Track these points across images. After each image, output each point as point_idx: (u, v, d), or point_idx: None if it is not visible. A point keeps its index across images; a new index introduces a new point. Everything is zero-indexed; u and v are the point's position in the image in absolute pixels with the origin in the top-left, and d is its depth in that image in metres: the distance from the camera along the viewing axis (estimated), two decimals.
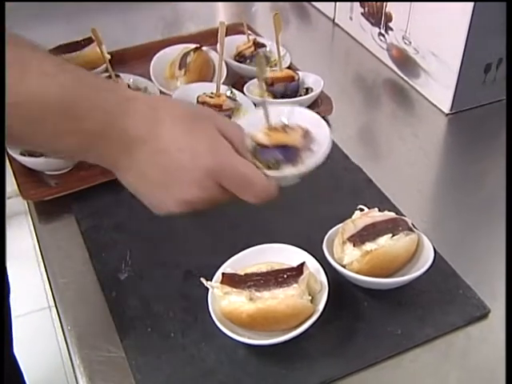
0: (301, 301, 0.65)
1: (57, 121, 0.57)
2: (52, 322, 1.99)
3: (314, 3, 1.34)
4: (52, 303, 2.13)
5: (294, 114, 0.76)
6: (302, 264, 0.67)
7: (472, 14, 0.92)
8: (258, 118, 0.74)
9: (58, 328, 1.93)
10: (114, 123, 0.60)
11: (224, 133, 0.65)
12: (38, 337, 1.95)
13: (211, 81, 1.04)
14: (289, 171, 0.70)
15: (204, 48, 1.08)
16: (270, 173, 0.68)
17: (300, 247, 0.73)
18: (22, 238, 2.15)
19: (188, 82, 1.02)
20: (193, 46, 1.08)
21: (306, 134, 0.73)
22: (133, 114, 0.60)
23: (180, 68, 1.04)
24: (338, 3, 1.25)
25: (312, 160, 0.71)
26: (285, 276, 0.66)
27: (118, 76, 0.99)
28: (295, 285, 0.65)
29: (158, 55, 1.08)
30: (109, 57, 1.01)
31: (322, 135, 0.73)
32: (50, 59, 0.59)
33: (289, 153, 0.72)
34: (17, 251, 2.09)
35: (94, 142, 0.60)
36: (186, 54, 1.05)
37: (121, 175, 0.65)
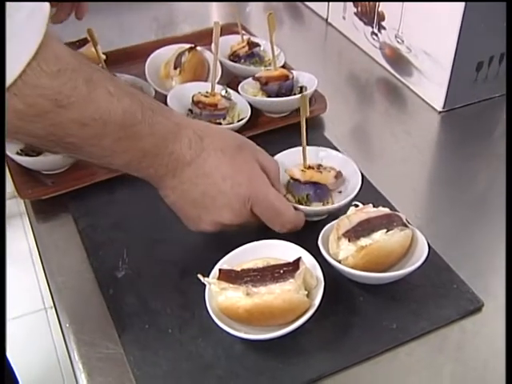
0: (297, 296, 0.66)
1: (117, 138, 0.64)
2: (48, 323, 2.00)
3: (307, 3, 1.35)
4: (48, 305, 2.13)
5: (330, 157, 0.86)
6: (299, 259, 0.67)
7: (463, 13, 0.93)
8: (295, 154, 0.83)
9: (53, 329, 1.94)
10: (166, 146, 0.67)
11: (262, 165, 0.73)
12: (33, 338, 1.95)
13: (206, 80, 1.05)
14: (317, 208, 0.80)
15: (199, 48, 1.09)
16: (300, 207, 0.78)
17: (296, 243, 0.74)
18: (17, 240, 2.15)
19: (183, 82, 1.03)
20: (187, 45, 1.08)
21: (339, 175, 0.83)
22: (183, 139, 0.68)
23: (175, 68, 1.05)
24: (330, 3, 1.26)
25: (340, 200, 0.80)
26: (281, 271, 0.66)
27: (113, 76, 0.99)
28: (291, 280, 0.66)
29: (152, 55, 1.08)
30: (104, 57, 1.02)
31: (354, 181, 0.82)
32: (113, 81, 0.64)
33: (320, 190, 0.81)
34: (12, 253, 2.09)
35: (146, 161, 0.67)
36: (180, 54, 1.06)
37: (163, 192, 0.73)
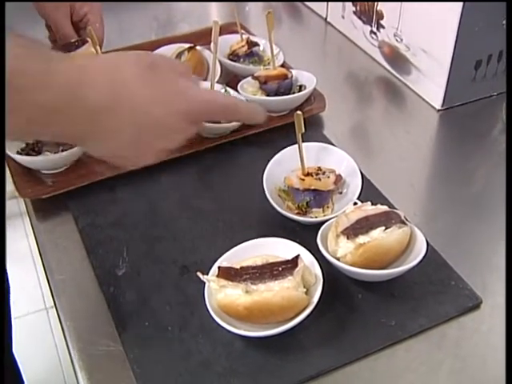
0: (296, 293, 0.66)
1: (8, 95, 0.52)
2: (49, 323, 2.00)
3: (306, 2, 1.35)
4: (49, 305, 2.13)
5: (330, 155, 0.87)
6: (297, 257, 0.68)
7: (462, 11, 0.93)
8: (294, 153, 0.82)
9: (55, 329, 1.94)
10: (73, 96, 0.57)
11: (181, 72, 0.65)
12: (35, 338, 1.96)
13: (205, 79, 1.05)
14: (317, 219, 0.80)
15: (198, 47, 1.09)
16: (300, 219, 0.80)
17: (295, 241, 0.74)
18: (18, 239, 2.15)
19: None
20: (187, 45, 1.08)
21: (338, 179, 0.83)
22: (91, 84, 0.58)
23: None
24: (329, 2, 1.27)
25: (341, 202, 0.82)
26: (280, 269, 0.67)
27: None
28: (290, 277, 0.66)
29: None
30: None
31: (354, 181, 0.83)
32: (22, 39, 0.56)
33: (319, 196, 0.82)
34: (13, 253, 2.09)
35: (52, 118, 0.56)
36: (180, 54, 1.06)
37: (90, 145, 0.63)
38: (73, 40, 1.04)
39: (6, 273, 1.09)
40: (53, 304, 0.77)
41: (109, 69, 0.61)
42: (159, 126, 0.62)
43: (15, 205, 1.02)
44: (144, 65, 0.62)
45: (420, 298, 0.74)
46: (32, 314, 2.05)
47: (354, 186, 0.82)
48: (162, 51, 1.09)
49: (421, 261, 0.71)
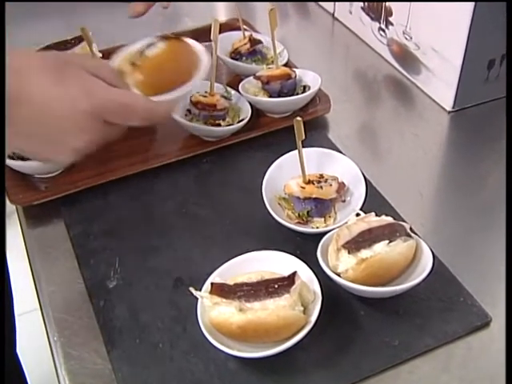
0: (292, 312, 0.62)
1: None
2: (44, 324, 1.98)
3: None
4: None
5: (333, 161, 0.83)
6: (294, 274, 0.64)
7: (474, 9, 0.89)
8: (295, 158, 0.78)
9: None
10: None
11: (95, 73, 0.65)
12: (34, 336, 1.94)
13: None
14: (318, 230, 0.77)
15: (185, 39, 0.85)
16: (299, 229, 0.77)
17: (294, 254, 0.71)
18: (19, 237, 2.13)
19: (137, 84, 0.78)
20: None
21: (341, 187, 0.79)
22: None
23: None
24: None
25: (343, 211, 0.79)
26: (276, 286, 0.63)
27: None
28: (287, 295, 0.63)
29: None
30: (100, 55, 0.98)
31: (358, 189, 0.80)
32: None
33: (321, 205, 0.78)
34: (13, 250, 2.08)
35: None
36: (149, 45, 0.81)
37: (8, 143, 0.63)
38: (69, 38, 1.00)
39: (8, 271, 1.07)
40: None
41: (16, 66, 0.61)
42: (65, 123, 0.62)
43: None
44: (54, 63, 0.63)
45: (426, 315, 0.70)
46: (34, 311, 2.03)
47: (358, 194, 0.79)
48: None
49: (426, 277, 0.67)
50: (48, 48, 0.99)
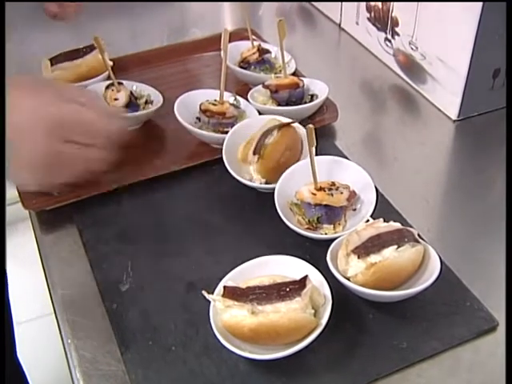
0: (303, 315, 0.64)
1: None
2: (58, 327, 1.99)
3: (320, 8, 1.33)
4: None
5: (343, 169, 0.84)
6: (305, 277, 0.65)
7: (480, 18, 0.90)
8: (306, 168, 0.80)
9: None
10: None
11: (69, 98, 0.70)
12: (42, 343, 1.95)
13: (298, 159, 0.87)
14: (327, 236, 0.78)
15: (293, 124, 0.90)
16: (309, 235, 0.78)
17: (303, 259, 0.72)
18: (27, 243, 2.14)
19: (261, 172, 0.85)
20: (278, 120, 0.90)
21: (352, 195, 0.80)
22: None
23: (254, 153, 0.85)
24: (344, 8, 1.24)
25: (354, 219, 0.80)
26: (287, 289, 0.64)
27: (120, 83, 0.98)
28: (298, 298, 0.64)
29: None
30: (111, 63, 1.00)
31: (368, 197, 0.80)
32: None
33: (331, 212, 0.79)
34: (21, 257, 2.09)
35: None
36: (265, 134, 0.87)
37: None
38: (81, 46, 1.02)
39: (6, 275, 1.08)
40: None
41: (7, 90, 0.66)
42: (38, 151, 0.67)
43: (22, 209, 1.01)
44: (34, 81, 0.71)
45: (433, 319, 0.71)
46: (41, 318, 2.04)
47: (368, 202, 0.80)
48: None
49: (434, 281, 0.68)
50: (60, 56, 1.01)
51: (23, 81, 0.70)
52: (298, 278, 0.66)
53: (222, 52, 0.95)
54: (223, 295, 0.66)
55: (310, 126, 0.76)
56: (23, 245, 2.12)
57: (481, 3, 0.89)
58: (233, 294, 0.65)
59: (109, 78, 0.99)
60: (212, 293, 0.68)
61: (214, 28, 1.31)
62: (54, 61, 1.01)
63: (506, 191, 0.77)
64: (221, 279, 0.70)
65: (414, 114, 1.06)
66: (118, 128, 0.73)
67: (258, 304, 0.64)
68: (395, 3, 1.07)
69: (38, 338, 1.95)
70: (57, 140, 0.67)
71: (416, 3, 1.01)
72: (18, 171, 0.68)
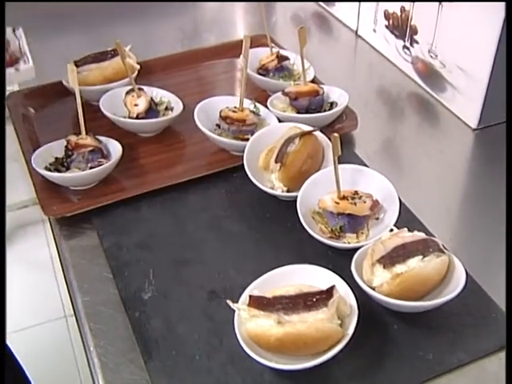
0: (330, 325, 0.63)
1: None
2: (68, 331, 1.99)
3: (336, 14, 1.32)
4: (68, 313, 2.12)
5: (366, 177, 0.84)
6: (332, 287, 0.65)
7: (502, 27, 0.90)
8: (328, 176, 0.80)
9: (73, 337, 1.93)
10: None
11: None
12: (53, 346, 1.94)
13: (319, 169, 0.87)
14: (349, 245, 0.78)
15: (315, 133, 0.89)
16: (334, 244, 0.77)
17: (327, 266, 0.72)
18: (39, 246, 2.15)
19: (284, 180, 0.85)
20: (299, 128, 0.90)
21: (375, 205, 0.80)
22: None
23: (276, 161, 0.85)
24: (361, 15, 1.24)
25: (376, 228, 0.79)
26: (314, 299, 0.64)
27: (141, 89, 0.98)
28: (325, 308, 0.64)
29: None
30: (138, 67, 1.00)
31: (391, 206, 0.80)
32: None
33: (354, 221, 0.78)
34: (33, 261, 2.09)
35: None
36: (287, 142, 0.86)
37: None
38: (109, 49, 1.02)
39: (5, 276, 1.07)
40: (72, 313, 0.76)
41: None
42: None
43: (37, 211, 1.01)
44: None
45: (458, 330, 0.70)
46: (52, 322, 2.04)
47: (392, 211, 0.79)
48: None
49: (460, 292, 0.68)
50: (87, 58, 1.01)
51: None
52: (323, 287, 0.66)
53: (241, 59, 0.94)
54: (249, 304, 0.65)
55: (335, 134, 0.76)
56: (33, 248, 2.13)
57: (503, 12, 0.88)
58: (259, 303, 0.65)
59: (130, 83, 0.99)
60: (235, 302, 0.68)
61: (228, 34, 1.32)
62: (81, 62, 1.01)
63: (506, 195, 0.77)
64: (242, 288, 0.70)
65: (433, 122, 1.06)
66: None
67: (285, 314, 0.64)
68: (414, 11, 1.06)
69: (47, 342, 1.94)
70: None
71: (436, 12, 1.01)
72: None
